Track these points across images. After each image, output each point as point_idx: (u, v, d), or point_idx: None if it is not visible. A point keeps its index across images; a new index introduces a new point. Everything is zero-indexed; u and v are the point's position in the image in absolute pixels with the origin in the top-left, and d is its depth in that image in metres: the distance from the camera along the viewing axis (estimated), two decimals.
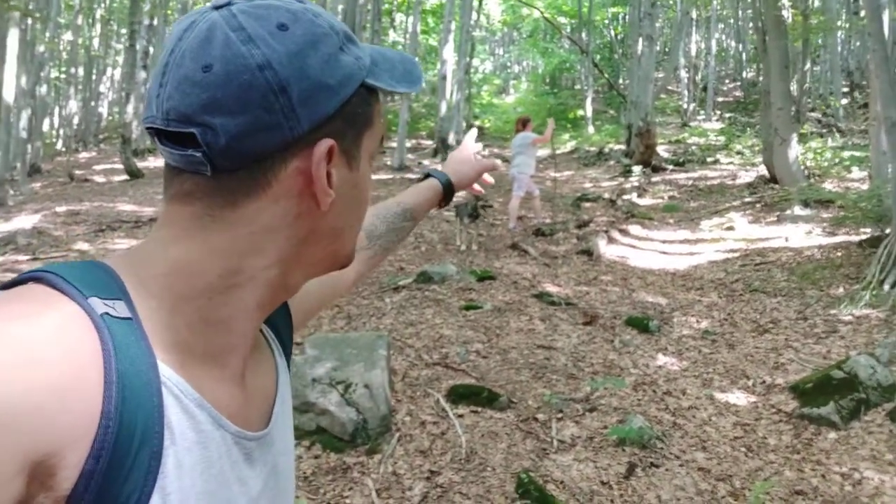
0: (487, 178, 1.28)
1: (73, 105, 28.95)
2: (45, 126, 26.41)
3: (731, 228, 8.91)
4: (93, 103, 27.99)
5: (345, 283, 0.99)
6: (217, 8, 0.56)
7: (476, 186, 1.27)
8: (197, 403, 0.54)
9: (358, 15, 13.49)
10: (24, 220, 10.44)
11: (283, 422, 0.70)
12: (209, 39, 0.54)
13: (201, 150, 0.54)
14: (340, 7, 14.84)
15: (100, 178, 16.42)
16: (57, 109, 29.06)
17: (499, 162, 1.30)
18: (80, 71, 28.36)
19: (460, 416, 3.61)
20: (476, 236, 8.08)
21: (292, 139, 0.55)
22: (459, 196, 9.77)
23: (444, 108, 17.77)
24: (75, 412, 0.46)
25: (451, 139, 18.49)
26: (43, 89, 22.74)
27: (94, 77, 28.95)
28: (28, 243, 8.51)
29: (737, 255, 7.59)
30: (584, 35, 26.03)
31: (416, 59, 0.70)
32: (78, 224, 10.01)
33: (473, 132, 1.31)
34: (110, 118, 30.34)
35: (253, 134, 0.54)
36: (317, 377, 3.53)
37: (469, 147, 1.26)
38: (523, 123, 9.11)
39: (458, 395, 3.80)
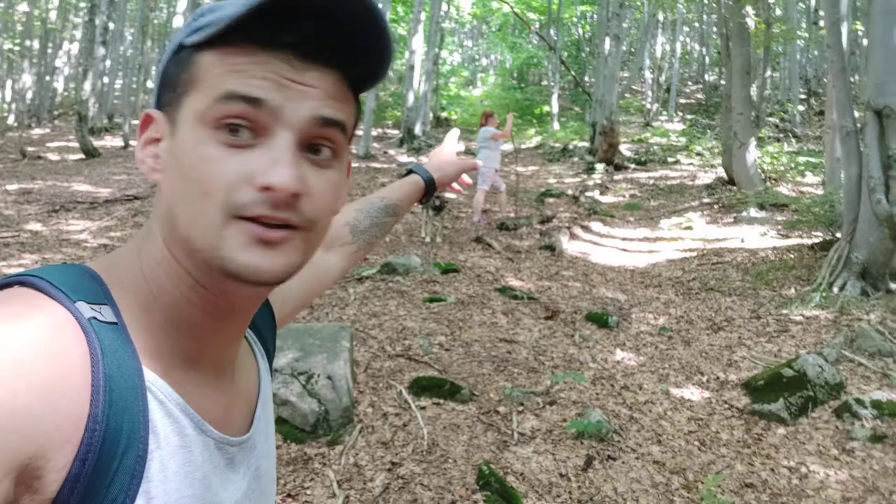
0: (466, 178, 1.30)
1: (27, 79, 27.92)
2: None
3: (689, 228, 9.12)
4: (48, 78, 27.05)
5: (329, 278, 0.99)
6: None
7: (455, 185, 1.29)
8: (181, 408, 0.55)
9: None
10: None
11: (265, 425, 0.70)
12: None
13: None
14: None
15: (54, 157, 15.91)
16: (9, 83, 28.02)
17: (479, 162, 1.31)
18: (36, 44, 27.37)
19: (422, 407, 3.63)
20: (441, 229, 8.10)
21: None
22: None
23: (411, 98, 17.70)
24: (62, 414, 0.46)
25: (418, 129, 18.44)
26: None
27: (49, 51, 27.97)
28: None
29: (694, 254, 7.77)
30: (552, 32, 26.18)
31: None
32: (30, 203, 9.69)
33: (455, 132, 1.33)
34: (66, 94, 29.38)
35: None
36: (278, 367, 3.50)
37: (450, 147, 1.28)
38: (486, 118, 9.15)
39: (421, 388, 3.82)
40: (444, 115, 26.37)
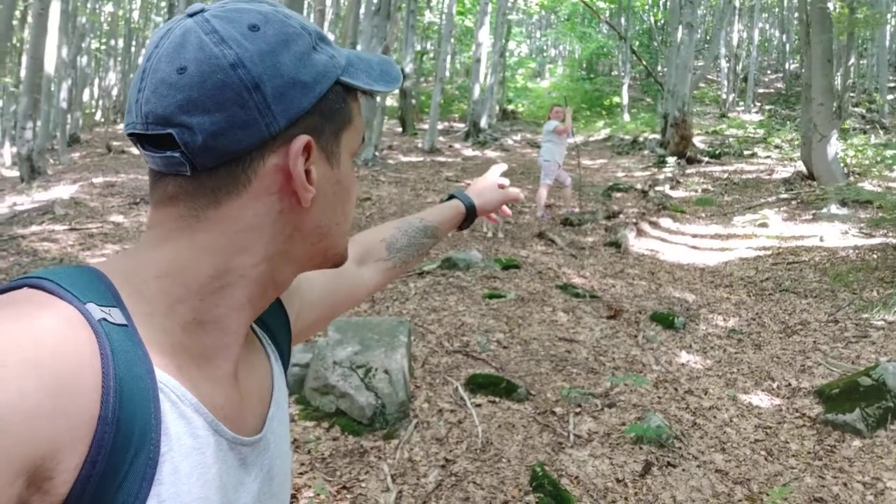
0: (506, 209, 1.28)
1: (113, 76, 29.39)
2: (85, 97, 26.87)
3: (764, 225, 8.74)
4: (131, 75, 28.34)
5: (361, 291, 1.00)
6: (191, 15, 0.58)
7: (494, 216, 1.29)
8: (194, 408, 0.55)
9: None
10: (63, 190, 10.67)
11: (279, 426, 0.70)
12: (183, 44, 0.56)
13: (179, 150, 0.55)
14: None
15: (136, 150, 16.66)
16: (97, 80, 29.53)
17: (521, 194, 1.28)
18: (120, 42, 28.75)
19: (478, 405, 3.62)
20: (503, 224, 8.06)
21: (269, 135, 0.56)
22: None
23: (477, 91, 17.66)
24: (73, 415, 0.46)
25: (484, 122, 18.38)
26: (83, 60, 23.11)
27: (133, 49, 29.31)
28: (65, 213, 8.70)
29: (769, 252, 7.45)
30: (622, 21, 25.57)
31: (394, 60, 0.68)
32: (113, 196, 10.20)
33: (501, 167, 1.30)
34: None
35: (229, 131, 0.55)
36: (338, 360, 3.56)
37: (493, 177, 1.27)
38: (553, 111, 9.03)
39: (477, 385, 3.81)
40: (510, 107, 26.18)
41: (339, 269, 0.92)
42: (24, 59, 14.94)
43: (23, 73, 15.14)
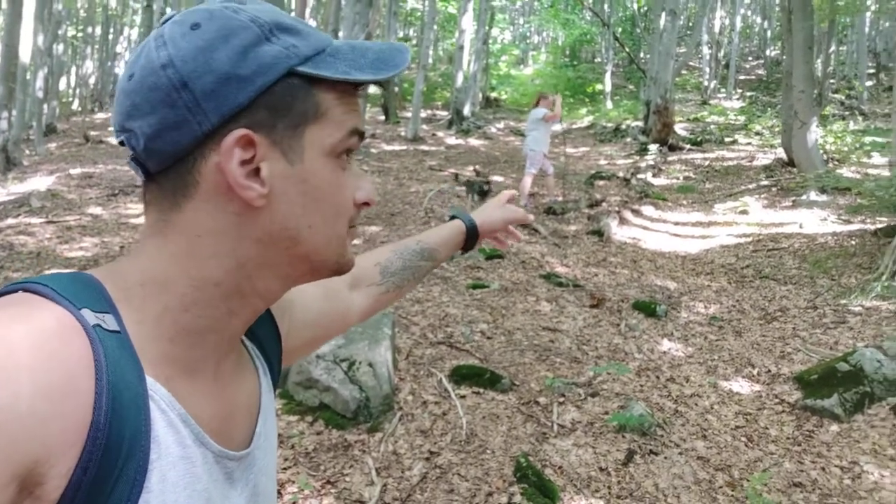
0: (516, 232, 1.23)
1: (90, 65, 28.92)
2: (62, 85, 26.43)
3: (745, 212, 8.83)
4: (109, 63, 27.92)
5: (351, 316, 0.97)
6: (163, 24, 0.59)
7: (501, 238, 1.22)
8: (182, 419, 0.55)
9: None
10: (39, 182, 10.51)
11: (266, 441, 0.70)
12: (140, 51, 0.57)
13: (132, 155, 0.58)
14: None
15: (114, 140, 16.40)
16: (73, 69, 29.04)
17: (530, 216, 1.24)
18: (98, 30, 28.27)
19: (462, 397, 3.64)
20: None
21: (202, 134, 0.55)
22: (468, 172, 9.66)
23: (460, 78, 17.58)
24: (66, 420, 0.46)
25: (467, 110, 18.32)
26: (60, 48, 22.70)
27: (110, 36, 28.84)
28: (42, 206, 8.57)
29: (749, 239, 7.53)
30: (606, 7, 25.54)
31: (406, 46, 0.65)
32: (91, 187, 10.06)
33: (510, 193, 1.26)
34: None
35: (164, 132, 0.55)
36: (321, 354, 3.55)
37: (501, 200, 1.22)
38: (540, 99, 8.97)
39: (461, 376, 3.82)
40: (493, 95, 26.11)
41: (331, 292, 0.92)
42: None
43: None
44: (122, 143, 0.58)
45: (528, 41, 40.90)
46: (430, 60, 25.61)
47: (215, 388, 0.61)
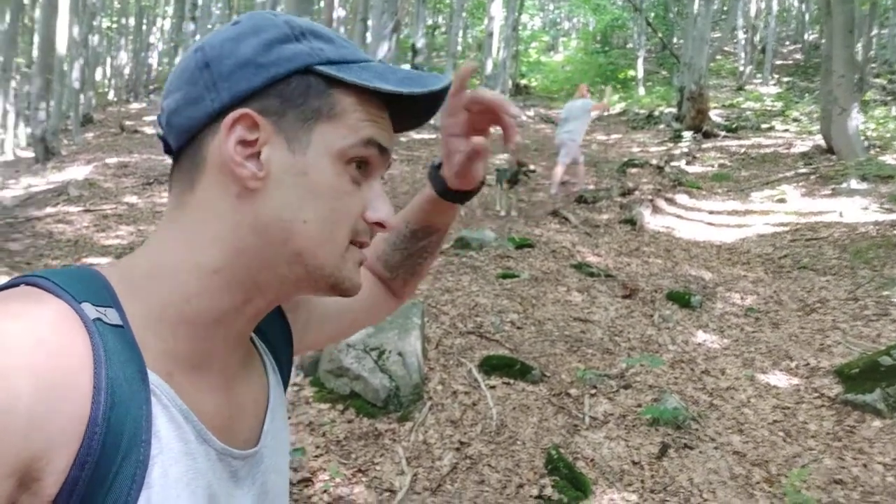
0: (509, 125, 0.75)
1: (124, 55, 29.37)
2: (98, 76, 26.89)
3: (782, 201, 8.61)
4: (143, 54, 28.32)
5: (382, 310, 0.95)
6: None
7: (477, 170, 0.79)
8: (184, 415, 0.54)
9: None
10: (77, 171, 10.72)
11: (275, 440, 0.68)
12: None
13: (160, 132, 0.61)
14: None
15: (149, 130, 16.70)
16: (108, 60, 29.51)
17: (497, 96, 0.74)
18: (132, 21, 28.66)
19: (492, 387, 3.61)
20: (516, 202, 7.99)
21: (213, 110, 0.57)
22: (500, 159, 9.61)
23: (489, 65, 17.44)
24: (64, 415, 0.45)
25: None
26: (95, 39, 23.07)
27: (144, 27, 29.22)
28: (80, 195, 8.74)
29: (787, 229, 7.34)
30: None
31: (449, 77, 0.63)
32: (127, 176, 10.23)
33: (468, 68, 0.76)
34: (160, 69, 30.70)
35: (183, 108, 0.58)
36: (351, 343, 3.55)
37: (456, 101, 0.76)
38: (584, 90, 9.09)
39: (491, 366, 3.79)
40: (523, 82, 25.88)
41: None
42: (36, 38, 14.93)
43: (35, 54, 15.14)
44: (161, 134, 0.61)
45: (558, 27, 40.43)
46: (460, 48, 25.45)
47: (221, 384, 0.60)
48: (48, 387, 0.45)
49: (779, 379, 3.97)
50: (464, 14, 23.73)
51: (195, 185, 0.58)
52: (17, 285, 0.52)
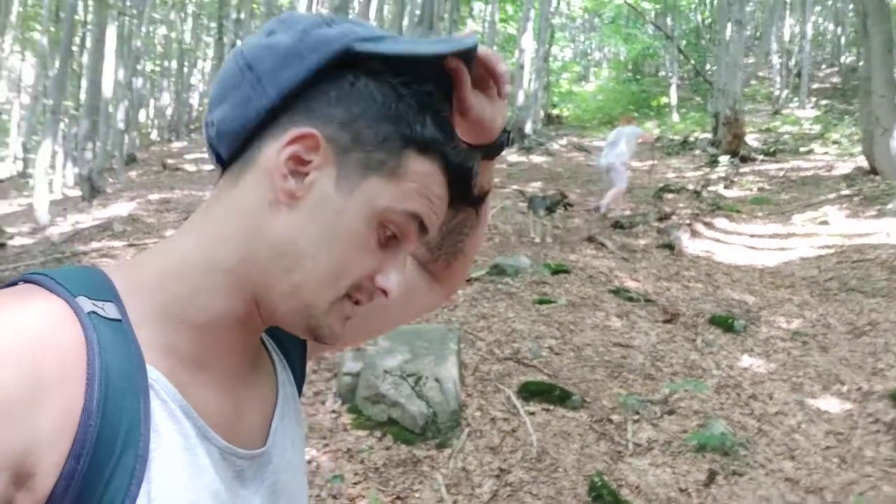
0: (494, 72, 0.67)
1: (167, 97, 30.36)
2: (141, 117, 27.83)
3: (825, 223, 8.40)
4: (185, 95, 29.25)
5: (421, 302, 0.90)
6: None
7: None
8: (184, 411, 0.53)
9: (436, 5, 13.47)
10: (121, 208, 11.03)
11: (285, 438, 0.67)
12: None
13: (209, 145, 0.61)
14: None
15: (190, 167, 17.18)
16: (151, 101, 30.54)
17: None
18: (173, 64, 29.68)
19: (531, 413, 3.54)
20: (551, 229, 7.94)
21: (262, 108, 0.56)
22: (533, 187, 9.59)
23: (521, 97, 17.57)
24: (55, 407, 0.44)
25: (528, 128, 18.28)
26: (139, 82, 23.95)
27: (185, 69, 30.23)
28: (123, 230, 8.97)
29: (831, 251, 7.14)
30: (668, 20, 25.13)
31: (474, 38, 0.60)
32: (169, 211, 10.48)
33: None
34: (201, 109, 31.65)
35: (232, 112, 0.57)
36: (388, 369, 3.54)
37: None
38: (628, 120, 9.59)
39: (530, 392, 3.73)
40: (555, 112, 25.97)
41: None
42: (84, 82, 15.55)
43: (82, 97, 15.75)
44: (210, 145, 0.61)
45: (589, 58, 40.63)
46: None
47: (225, 383, 0.59)
48: (35, 378, 0.44)
49: (830, 403, 3.82)
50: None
51: (238, 183, 0.58)
52: (17, 283, 0.52)
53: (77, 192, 14.65)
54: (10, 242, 9.15)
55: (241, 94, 0.57)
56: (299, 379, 0.75)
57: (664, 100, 24.11)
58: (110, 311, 0.51)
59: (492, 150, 0.74)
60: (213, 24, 26.52)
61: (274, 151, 0.56)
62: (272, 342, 0.72)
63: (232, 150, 0.59)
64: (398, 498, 2.87)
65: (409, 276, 0.87)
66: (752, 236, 8.31)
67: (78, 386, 0.46)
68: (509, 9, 25.06)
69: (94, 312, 0.49)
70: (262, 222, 0.56)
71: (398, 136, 0.57)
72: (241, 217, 0.57)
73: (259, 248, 0.56)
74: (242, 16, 23.01)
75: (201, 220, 0.59)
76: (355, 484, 2.93)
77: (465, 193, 0.62)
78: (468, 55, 0.60)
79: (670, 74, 23.62)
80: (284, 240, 0.56)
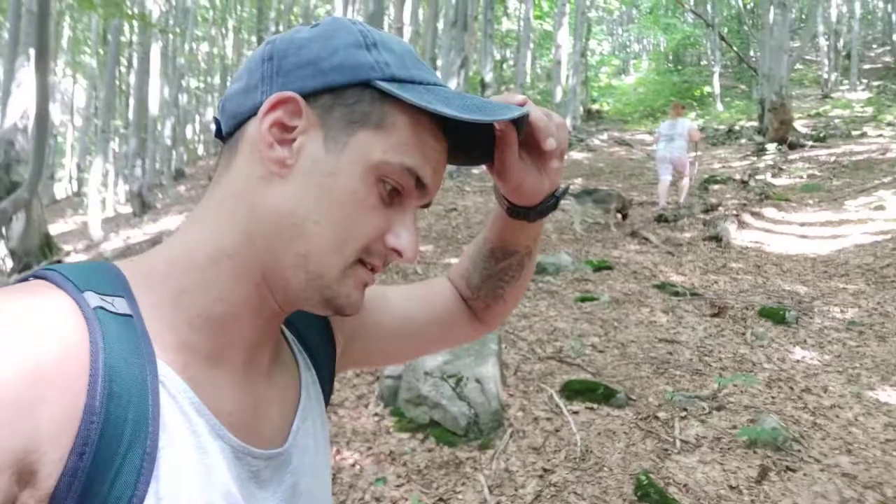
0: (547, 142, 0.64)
1: (211, 112, 31.11)
2: (188, 133, 28.58)
3: (880, 208, 8.08)
4: None
5: (459, 332, 0.87)
6: None
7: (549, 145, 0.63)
8: (196, 408, 0.52)
9: (470, 4, 13.45)
10: (170, 222, 11.35)
11: (307, 439, 0.65)
12: None
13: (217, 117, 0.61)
14: None
15: None
16: (197, 117, 31.34)
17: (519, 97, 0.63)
18: (217, 79, 30.41)
19: (575, 412, 3.49)
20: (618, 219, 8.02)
21: (259, 103, 0.56)
22: (576, 183, 9.55)
23: (559, 93, 17.42)
24: (56, 404, 0.44)
25: (568, 124, 18.08)
26: (184, 98, 24.61)
27: (229, 84, 30.93)
28: None
29: (888, 237, 6.86)
30: (708, 8, 24.56)
31: (523, 109, 0.57)
32: None
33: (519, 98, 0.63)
34: None
35: (237, 95, 0.58)
36: (428, 371, 3.53)
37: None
38: (680, 108, 9.43)
39: (573, 391, 3.68)
40: (595, 107, 25.67)
41: (430, 305, 0.84)
42: (131, 102, 16.06)
43: (130, 116, 16.27)
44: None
45: (627, 50, 40.03)
46: (528, 79, 25.56)
47: (242, 380, 0.58)
48: (35, 374, 0.43)
49: (889, 395, 3.66)
50: (531, 45, 23.88)
51: (231, 163, 0.58)
52: (27, 280, 0.52)
53: (128, 209, 15.13)
54: (66, 259, 9.50)
55: (252, 81, 0.57)
56: (327, 383, 0.73)
57: (707, 89, 23.60)
58: (120, 306, 0.50)
59: (532, 214, 0.71)
60: (254, 38, 27.08)
61: (256, 122, 0.56)
62: (298, 343, 0.71)
63: (228, 129, 0.59)
64: (441, 500, 2.86)
65: (449, 306, 0.86)
66: (802, 225, 8.05)
67: (79, 383, 0.45)
68: (544, 5, 24.89)
69: (101, 308, 0.49)
70: (257, 198, 0.55)
71: (379, 100, 0.56)
72: (236, 198, 0.56)
73: (259, 225, 0.55)
74: (281, 28, 23.44)
75: (204, 208, 0.58)
76: (398, 486, 2.94)
77: (463, 141, 0.61)
78: (517, 122, 0.59)
79: (712, 63, 23.09)
80: (283, 212, 0.55)
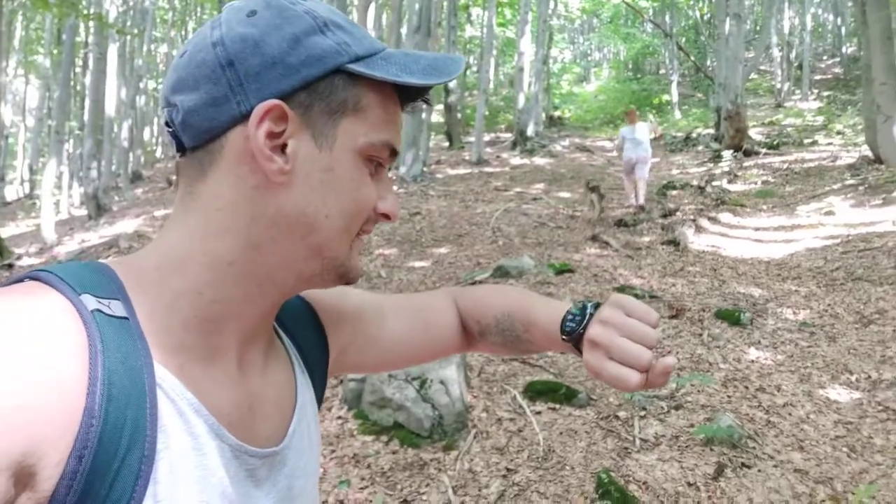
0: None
1: None
2: (146, 135, 28.00)
3: (830, 213, 8.36)
4: None
5: (445, 347, 0.89)
6: (223, 11, 0.60)
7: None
8: (194, 409, 0.52)
9: (433, 11, 13.50)
10: (127, 225, 11.10)
11: (302, 441, 0.66)
12: (196, 34, 0.58)
13: (170, 128, 0.57)
14: (416, 5, 14.96)
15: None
16: (155, 119, 30.73)
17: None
18: None
19: (538, 413, 3.53)
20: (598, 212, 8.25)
21: (240, 114, 0.54)
22: (537, 188, 9.63)
23: (522, 100, 17.58)
24: (55, 407, 0.44)
25: (531, 130, 18.28)
26: (142, 100, 24.11)
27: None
28: (129, 246, 9.02)
29: (837, 241, 7.10)
30: (667, 18, 25.12)
31: (462, 57, 0.65)
32: None
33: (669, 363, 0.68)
34: None
35: (203, 108, 0.55)
36: (393, 373, 3.54)
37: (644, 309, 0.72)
38: (634, 114, 9.95)
39: (536, 392, 3.72)
40: (556, 113, 25.99)
41: (431, 315, 0.86)
42: (87, 102, 15.68)
43: (86, 117, 15.89)
44: (167, 124, 0.58)
45: (588, 58, 40.64)
46: (492, 85, 25.76)
47: (238, 379, 0.58)
48: (35, 379, 0.43)
49: (839, 393, 3.80)
50: (494, 52, 24.07)
51: (208, 174, 0.56)
52: (23, 280, 0.51)
53: (83, 212, 14.75)
54: (18, 263, 9.23)
55: (216, 91, 0.54)
56: (320, 389, 0.75)
57: (665, 97, 24.10)
58: (117, 308, 0.50)
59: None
60: None
61: (243, 137, 0.54)
62: (294, 348, 0.71)
63: (196, 143, 0.56)
64: (405, 501, 2.86)
65: (445, 332, 0.88)
66: (757, 229, 8.28)
67: (78, 387, 0.45)
68: (507, 13, 25.11)
69: (98, 310, 0.49)
70: (258, 209, 0.55)
71: (350, 83, 0.57)
72: (230, 210, 0.55)
73: (265, 231, 0.56)
74: None
75: (183, 215, 0.57)
76: (362, 489, 2.93)
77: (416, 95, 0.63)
78: (448, 81, 0.62)
79: (671, 72, 23.61)
80: (292, 216, 0.56)
